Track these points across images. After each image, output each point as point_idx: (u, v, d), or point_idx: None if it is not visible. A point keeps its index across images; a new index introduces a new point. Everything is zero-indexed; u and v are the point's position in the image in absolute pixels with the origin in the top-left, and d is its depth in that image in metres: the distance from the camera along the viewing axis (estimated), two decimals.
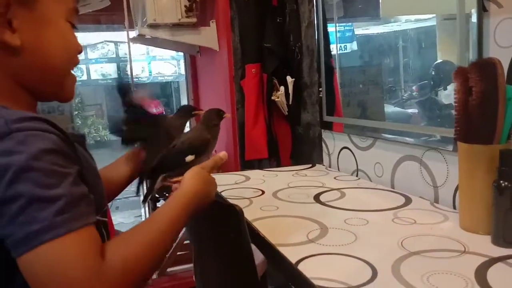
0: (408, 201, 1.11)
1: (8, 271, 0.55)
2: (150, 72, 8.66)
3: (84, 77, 8.52)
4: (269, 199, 1.18)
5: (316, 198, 1.16)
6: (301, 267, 0.74)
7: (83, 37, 8.13)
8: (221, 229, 0.86)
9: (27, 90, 0.64)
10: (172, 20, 2.34)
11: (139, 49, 8.63)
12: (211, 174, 0.81)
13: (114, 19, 3.06)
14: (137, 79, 8.92)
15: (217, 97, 2.48)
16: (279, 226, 0.97)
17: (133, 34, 2.66)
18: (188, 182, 0.75)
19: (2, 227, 0.51)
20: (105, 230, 0.71)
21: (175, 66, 8.91)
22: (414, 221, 0.95)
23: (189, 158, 0.94)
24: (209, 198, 0.77)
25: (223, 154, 0.84)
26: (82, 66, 8.46)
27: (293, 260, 0.77)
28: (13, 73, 0.62)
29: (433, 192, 1.11)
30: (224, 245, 0.87)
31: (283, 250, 0.81)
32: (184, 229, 0.86)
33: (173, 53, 8.64)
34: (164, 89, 9.73)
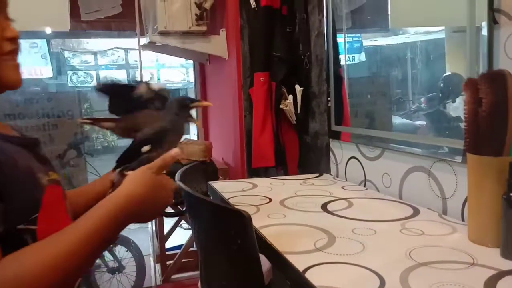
0: (416, 212, 1.10)
1: None
2: (159, 79, 8.73)
3: (94, 83, 8.61)
4: (277, 207, 1.18)
5: (324, 207, 1.16)
6: (308, 275, 0.74)
7: (93, 43, 8.23)
8: (228, 235, 0.87)
9: None
10: (182, 28, 2.36)
11: (148, 56, 8.73)
12: (164, 176, 0.72)
13: (125, 26, 3.10)
14: None
15: (225, 105, 2.50)
16: (286, 234, 0.97)
17: (143, 41, 2.69)
18: (125, 185, 0.67)
19: None
20: (33, 239, 0.63)
21: (183, 74, 8.99)
22: (422, 232, 0.94)
23: (145, 148, 0.84)
24: (157, 204, 0.69)
25: (175, 152, 0.73)
26: (92, 72, 8.55)
27: (300, 268, 0.77)
28: None
29: (442, 203, 1.10)
30: (231, 251, 0.87)
31: (290, 258, 0.81)
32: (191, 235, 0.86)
33: (182, 60, 8.73)
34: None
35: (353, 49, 1.72)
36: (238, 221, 0.80)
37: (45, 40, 7.72)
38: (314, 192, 1.34)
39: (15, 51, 0.72)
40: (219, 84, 2.77)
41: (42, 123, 2.72)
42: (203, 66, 3.23)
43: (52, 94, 3.37)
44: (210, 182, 1.45)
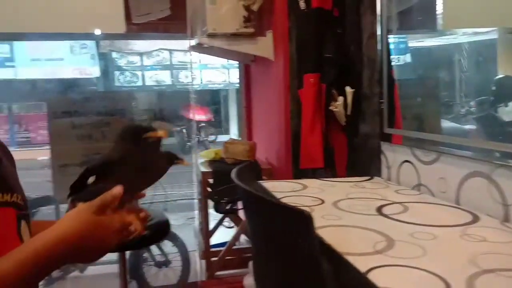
0: (475, 218, 1.07)
1: None
2: (201, 79, 8.91)
3: (140, 83, 8.91)
4: (330, 208, 1.18)
5: (379, 210, 1.15)
6: (371, 276, 0.75)
7: (140, 44, 8.50)
8: (287, 234, 0.88)
9: None
10: (230, 30, 2.40)
11: (191, 57, 8.92)
12: (107, 216, 0.65)
13: (174, 28, 3.20)
14: (188, 86, 9.21)
15: (270, 106, 2.52)
16: (343, 236, 0.97)
17: (191, 43, 2.77)
18: (60, 223, 0.63)
19: None
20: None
21: (225, 75, 9.13)
22: (484, 239, 0.92)
23: (90, 179, 0.76)
24: (96, 245, 0.64)
25: (116, 190, 0.65)
26: (138, 72, 8.86)
27: (362, 269, 0.77)
28: None
29: (503, 210, 1.07)
30: (290, 250, 0.88)
31: (350, 259, 0.82)
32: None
33: (223, 61, 8.86)
34: (213, 97, 9.98)
35: (398, 50, 1.70)
36: (299, 220, 0.81)
37: (94, 41, 8.09)
38: (366, 195, 1.34)
39: None
40: (264, 85, 2.80)
41: (95, 120, 2.85)
42: (248, 67, 3.26)
43: (106, 94, 3.52)
44: (261, 181, 1.47)
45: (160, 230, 1.75)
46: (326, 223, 1.05)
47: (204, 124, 8.93)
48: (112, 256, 2.47)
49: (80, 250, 0.63)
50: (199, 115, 8.35)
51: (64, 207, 2.89)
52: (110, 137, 2.77)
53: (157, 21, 3.20)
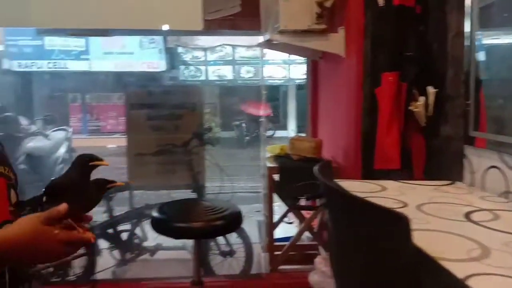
0: None
1: None
2: (262, 75, 8.99)
3: (203, 77, 9.16)
4: (415, 212, 1.16)
5: (467, 216, 1.11)
6: (470, 284, 0.73)
7: (204, 40, 8.72)
8: (378, 235, 0.88)
9: None
10: (302, 27, 2.40)
11: (253, 53, 9.02)
12: (52, 228, 0.71)
13: (244, 25, 3.25)
14: (249, 81, 9.32)
15: (339, 103, 2.49)
16: (434, 241, 0.95)
17: (260, 39, 2.80)
18: (10, 226, 0.72)
19: None
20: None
21: (285, 70, 9.12)
22: None
23: (44, 198, 0.84)
24: (38, 252, 0.71)
25: (62, 207, 0.72)
26: (201, 67, 9.11)
27: (459, 276, 0.76)
28: None
29: None
30: (380, 252, 0.88)
31: (446, 265, 0.80)
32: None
33: (285, 57, 8.87)
34: (274, 93, 10.02)
35: (484, 48, 1.60)
36: (395, 223, 0.81)
37: (162, 36, 8.43)
38: (450, 200, 1.29)
39: None
40: (332, 81, 2.77)
41: (168, 113, 2.99)
42: (316, 63, 3.24)
43: (178, 87, 3.67)
44: (337, 180, 1.47)
45: (233, 221, 1.80)
46: (414, 226, 1.03)
47: (263, 119, 9.01)
48: (185, 242, 2.59)
49: (23, 253, 0.71)
50: (258, 110, 8.43)
51: (137, 193, 3.07)
52: (182, 129, 2.89)
53: (226, 18, 3.28)
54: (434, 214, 1.13)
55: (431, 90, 1.67)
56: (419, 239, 0.94)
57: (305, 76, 3.66)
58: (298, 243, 2.60)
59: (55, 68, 9.01)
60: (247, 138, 9.01)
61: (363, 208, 0.89)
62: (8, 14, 2.18)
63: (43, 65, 8.96)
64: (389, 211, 0.83)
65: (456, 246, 0.91)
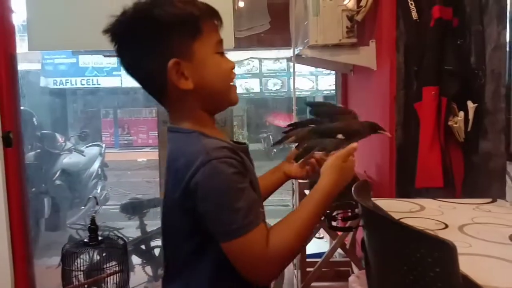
0: None
1: (201, 238, 0.83)
2: (289, 87, 9.00)
3: None
4: (456, 234, 1.11)
5: None
6: None
7: (232, 53, 8.86)
8: (421, 261, 0.85)
9: (208, 113, 0.90)
10: (333, 41, 2.39)
11: (280, 65, 9.05)
12: (350, 160, 0.96)
13: (275, 41, 3.27)
14: (276, 94, 9.35)
15: (371, 117, 2.45)
16: (479, 266, 0.91)
17: (290, 53, 2.80)
18: (325, 176, 0.93)
19: (208, 222, 0.80)
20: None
21: (313, 82, 9.10)
22: None
23: (339, 136, 1.11)
24: (347, 181, 0.94)
25: (356, 144, 0.98)
26: None
27: None
28: (199, 106, 0.88)
29: None
30: (423, 278, 0.85)
31: None
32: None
33: (312, 69, 8.86)
34: (302, 104, 9.99)
35: None
36: (439, 249, 0.78)
37: None
38: (493, 220, 1.23)
39: (235, 77, 0.93)
40: (363, 95, 2.74)
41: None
42: (346, 76, 3.22)
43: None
44: (374, 199, 1.44)
45: None
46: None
47: None
48: None
49: (339, 187, 0.93)
50: (285, 122, 8.44)
51: None
52: None
53: (255, 34, 3.31)
54: (476, 236, 1.08)
55: (470, 104, 1.62)
56: (463, 264, 0.90)
57: (332, 87, 3.64)
58: (331, 259, 2.56)
59: (88, 84, 9.33)
60: (275, 150, 9.00)
61: (403, 232, 0.86)
62: (46, 39, 2.29)
63: (77, 82, 9.29)
64: (435, 239, 0.80)
65: (504, 273, 0.87)
